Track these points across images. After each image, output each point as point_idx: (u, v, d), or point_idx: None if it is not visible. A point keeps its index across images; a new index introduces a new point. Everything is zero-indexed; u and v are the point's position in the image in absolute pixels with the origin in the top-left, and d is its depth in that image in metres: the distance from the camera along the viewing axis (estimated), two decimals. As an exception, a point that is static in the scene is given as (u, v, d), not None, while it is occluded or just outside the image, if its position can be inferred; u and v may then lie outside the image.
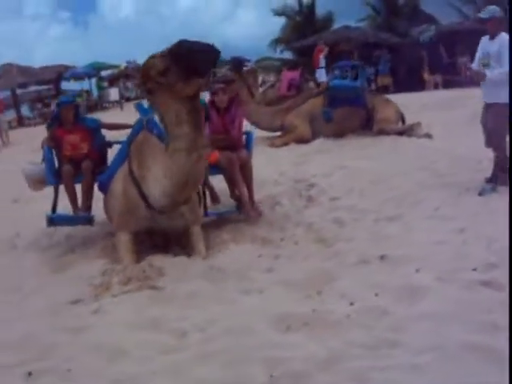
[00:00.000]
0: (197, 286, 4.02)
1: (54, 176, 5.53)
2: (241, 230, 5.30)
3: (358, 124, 10.16)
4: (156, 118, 5.05)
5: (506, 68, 5.49)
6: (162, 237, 4.95)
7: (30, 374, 3.05)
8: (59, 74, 28.91)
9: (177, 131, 4.25)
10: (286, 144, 10.16)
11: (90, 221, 5.49)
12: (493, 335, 3.01)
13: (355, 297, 3.62)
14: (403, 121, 10.21)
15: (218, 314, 3.56)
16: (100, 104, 30.42)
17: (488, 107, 5.80)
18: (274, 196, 6.60)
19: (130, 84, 35.09)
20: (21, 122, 25.63)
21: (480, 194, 5.67)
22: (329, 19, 29.03)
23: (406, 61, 22.82)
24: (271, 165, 8.57)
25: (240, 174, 5.52)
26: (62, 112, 5.70)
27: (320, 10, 29.48)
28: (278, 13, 29.47)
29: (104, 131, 5.97)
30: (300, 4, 29.14)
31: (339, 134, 10.00)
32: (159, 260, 4.54)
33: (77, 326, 3.59)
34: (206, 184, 5.74)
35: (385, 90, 21.23)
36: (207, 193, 5.80)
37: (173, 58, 4.01)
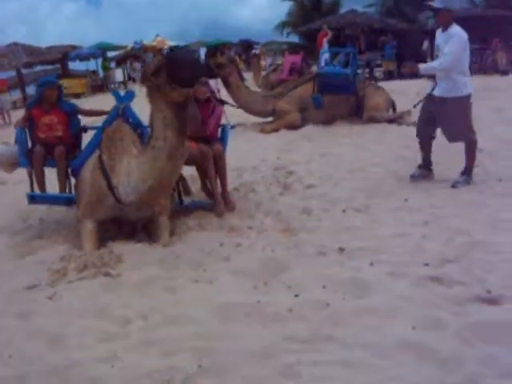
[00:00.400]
0: (150, 274, 4.03)
1: (26, 158, 5.50)
2: (208, 217, 5.30)
3: (347, 111, 10.08)
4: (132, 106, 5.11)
5: (444, 59, 5.42)
6: (128, 224, 4.95)
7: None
8: (65, 54, 28.87)
9: (161, 133, 4.34)
10: (275, 130, 10.11)
11: (70, 202, 5.50)
12: (432, 333, 3.02)
13: (302, 289, 3.62)
14: (394, 109, 10.13)
15: (163, 303, 3.59)
16: (105, 85, 30.41)
17: (443, 101, 5.61)
18: (251, 183, 6.57)
19: (137, 65, 35.06)
20: (26, 102, 25.63)
21: (453, 186, 5.62)
22: (336, 3, 28.78)
23: (411, 47, 22.61)
24: (256, 151, 8.54)
25: (213, 168, 5.49)
26: (45, 92, 5.64)
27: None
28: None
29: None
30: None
31: (329, 121, 9.94)
32: (120, 247, 4.54)
33: (26, 312, 3.61)
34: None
35: (389, 75, 21.12)
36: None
37: (166, 63, 4.18)
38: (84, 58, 29.85)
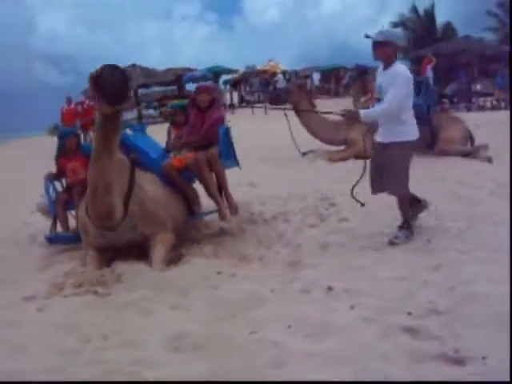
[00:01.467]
0: (137, 296, 4.16)
1: (53, 206, 6.09)
2: (224, 244, 5.36)
3: (420, 143, 9.61)
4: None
5: (388, 105, 4.75)
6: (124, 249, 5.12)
7: None
8: (179, 76, 30.49)
9: (94, 138, 4.69)
10: (344, 159, 9.93)
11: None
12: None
13: (263, 326, 3.56)
14: (472, 141, 9.56)
15: (130, 326, 3.70)
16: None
17: (384, 147, 5.02)
18: (288, 213, 6.54)
19: (248, 88, 36.19)
20: (140, 120, 27.38)
21: (391, 243, 5.06)
22: (449, 29, 27.76)
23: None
24: (313, 179, 8.49)
25: (209, 173, 5.57)
26: (65, 143, 6.30)
27: (441, 20, 28.34)
28: (397, 24, 28.75)
29: None
30: (418, 15, 28.21)
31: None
32: (122, 267, 4.74)
33: (12, 321, 3.91)
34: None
35: (499, 105, 20.03)
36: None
37: (94, 80, 4.23)
38: (196, 80, 31.26)
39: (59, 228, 6.14)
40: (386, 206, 6.47)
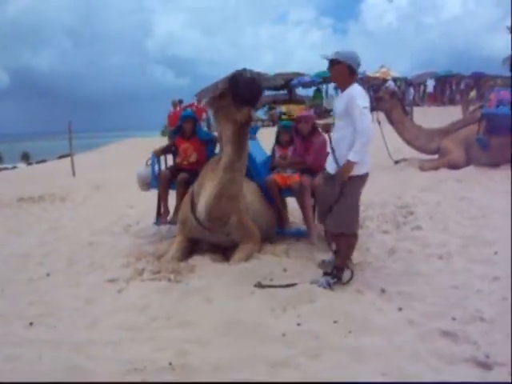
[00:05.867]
0: (203, 285, 4.57)
1: (155, 181, 6.51)
2: (297, 245, 5.67)
3: (517, 155, 9.29)
4: None
5: (363, 141, 4.19)
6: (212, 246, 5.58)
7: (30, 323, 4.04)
8: (288, 80, 31.03)
9: (225, 149, 4.88)
10: (435, 168, 9.78)
11: None
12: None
13: (309, 320, 3.82)
14: None
15: (192, 309, 4.14)
16: (325, 112, 31.89)
17: (332, 178, 4.44)
18: (366, 219, 6.69)
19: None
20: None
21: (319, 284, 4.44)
22: None
23: None
24: (399, 187, 8.52)
25: (309, 199, 5.78)
26: (184, 125, 6.70)
27: None
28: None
29: None
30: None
31: (494, 164, 9.29)
32: (198, 259, 5.20)
33: (92, 298, 4.53)
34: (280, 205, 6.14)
35: None
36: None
37: (229, 86, 4.65)
38: (306, 85, 31.62)
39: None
40: (468, 216, 6.47)
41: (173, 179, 6.36)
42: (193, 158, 6.52)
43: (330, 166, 4.50)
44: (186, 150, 6.57)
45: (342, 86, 4.41)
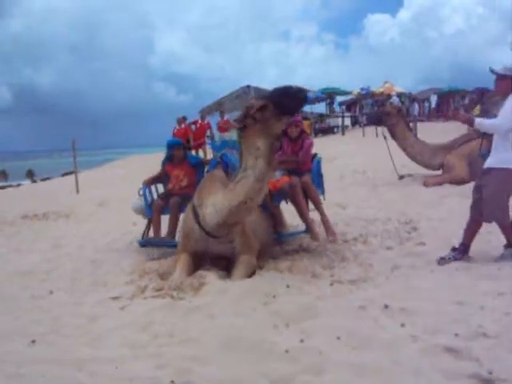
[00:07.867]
0: (205, 302, 4.56)
1: (150, 209, 6.78)
2: (300, 261, 5.64)
3: None
4: (229, 153, 5.78)
5: (499, 122, 5.18)
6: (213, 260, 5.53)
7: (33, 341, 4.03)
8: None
9: (253, 162, 4.87)
10: (439, 184, 9.80)
11: (174, 246, 6.23)
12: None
13: (313, 336, 3.81)
14: None
15: (195, 326, 4.11)
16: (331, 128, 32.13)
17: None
18: (369, 235, 6.69)
19: (359, 110, 36.06)
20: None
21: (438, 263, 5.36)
22: None
23: None
24: (401, 203, 8.53)
25: (303, 198, 5.94)
26: (174, 152, 6.96)
27: None
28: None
29: None
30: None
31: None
32: (202, 275, 5.16)
33: (95, 316, 4.50)
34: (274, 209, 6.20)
35: None
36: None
37: (271, 98, 4.77)
38: (310, 101, 31.69)
39: (151, 234, 6.82)
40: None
41: (165, 206, 6.60)
42: (184, 182, 6.82)
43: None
44: (178, 176, 6.85)
45: (505, 95, 5.21)
